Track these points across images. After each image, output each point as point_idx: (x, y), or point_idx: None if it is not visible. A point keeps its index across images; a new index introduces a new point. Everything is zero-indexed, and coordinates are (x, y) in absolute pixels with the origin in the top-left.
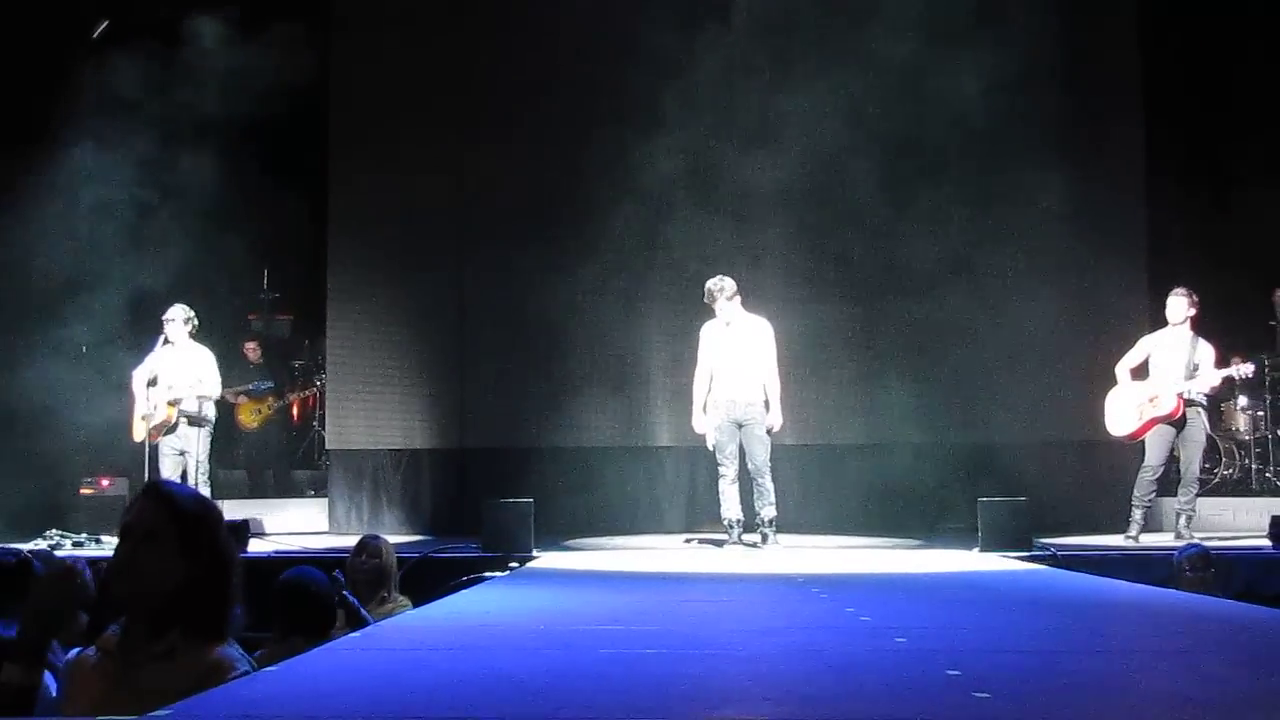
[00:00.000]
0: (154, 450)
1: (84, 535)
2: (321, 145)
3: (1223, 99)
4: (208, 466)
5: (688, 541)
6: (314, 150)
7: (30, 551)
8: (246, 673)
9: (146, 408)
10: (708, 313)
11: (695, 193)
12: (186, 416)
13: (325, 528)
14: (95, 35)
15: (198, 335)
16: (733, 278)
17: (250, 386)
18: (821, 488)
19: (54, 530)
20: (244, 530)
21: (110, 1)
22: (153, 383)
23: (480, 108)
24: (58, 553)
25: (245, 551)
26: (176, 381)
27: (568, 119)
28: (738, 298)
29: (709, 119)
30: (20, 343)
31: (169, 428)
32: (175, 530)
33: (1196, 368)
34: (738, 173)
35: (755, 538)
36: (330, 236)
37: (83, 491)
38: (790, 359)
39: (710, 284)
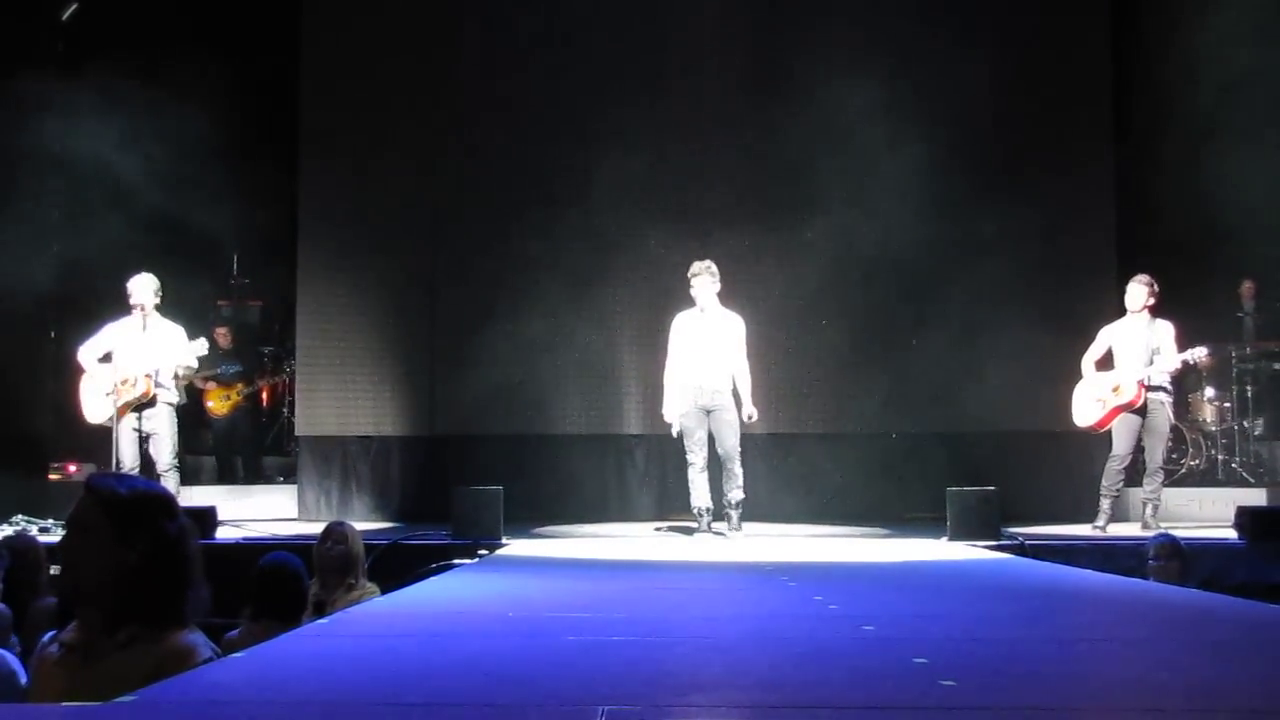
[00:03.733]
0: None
1: (50, 521)
2: (293, 130)
3: (1191, 91)
4: (177, 447)
5: (658, 530)
6: (285, 136)
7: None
8: (210, 659)
9: (111, 384)
10: (681, 302)
11: (669, 185)
12: (162, 391)
13: (294, 514)
14: (65, 17)
15: (163, 311)
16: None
17: (218, 371)
18: (791, 477)
19: (20, 516)
20: (209, 517)
21: None
22: (106, 358)
23: (455, 95)
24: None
25: (212, 538)
26: (153, 355)
27: (542, 108)
28: (718, 284)
29: (682, 114)
30: None
31: (144, 404)
32: (109, 523)
33: (1157, 351)
34: (713, 166)
35: (724, 525)
36: (301, 222)
37: (50, 477)
38: (761, 349)
39: (695, 263)
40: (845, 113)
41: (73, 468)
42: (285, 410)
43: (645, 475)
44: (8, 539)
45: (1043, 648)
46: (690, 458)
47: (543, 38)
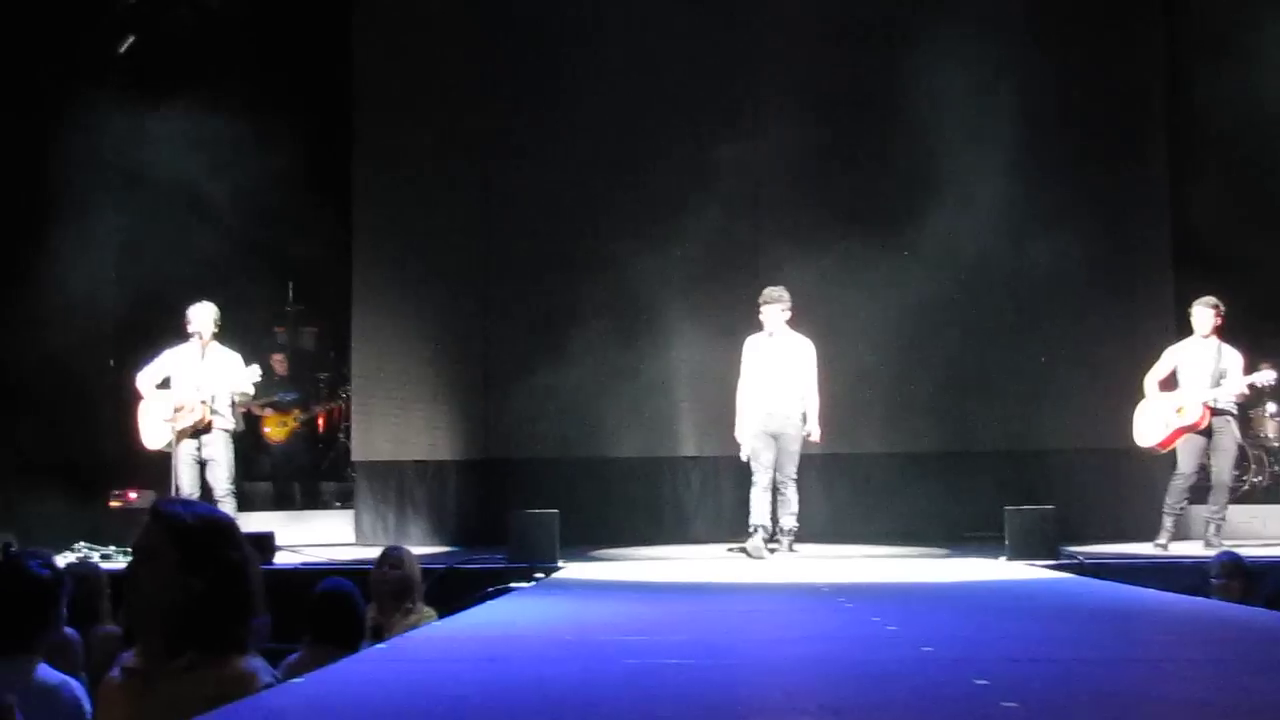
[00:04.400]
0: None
1: (112, 548)
2: (347, 156)
3: (1250, 106)
4: (234, 473)
5: (730, 550)
6: (340, 162)
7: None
8: (270, 684)
9: (167, 410)
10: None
11: (726, 201)
12: (219, 418)
13: (351, 539)
14: (122, 50)
15: (219, 337)
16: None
17: (275, 398)
18: (848, 496)
19: (82, 542)
20: (268, 543)
21: (135, 18)
22: (164, 385)
23: (506, 118)
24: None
25: (270, 564)
26: (210, 382)
27: (593, 129)
28: (789, 313)
29: (740, 127)
30: (48, 350)
31: (201, 430)
32: (174, 549)
33: (1223, 375)
34: (771, 181)
35: (776, 545)
36: (355, 249)
37: (111, 505)
38: (820, 367)
39: (769, 289)
40: (913, 129)
41: (133, 494)
42: (341, 436)
43: (701, 498)
44: (70, 566)
45: (1104, 668)
46: (755, 477)
47: (598, 56)
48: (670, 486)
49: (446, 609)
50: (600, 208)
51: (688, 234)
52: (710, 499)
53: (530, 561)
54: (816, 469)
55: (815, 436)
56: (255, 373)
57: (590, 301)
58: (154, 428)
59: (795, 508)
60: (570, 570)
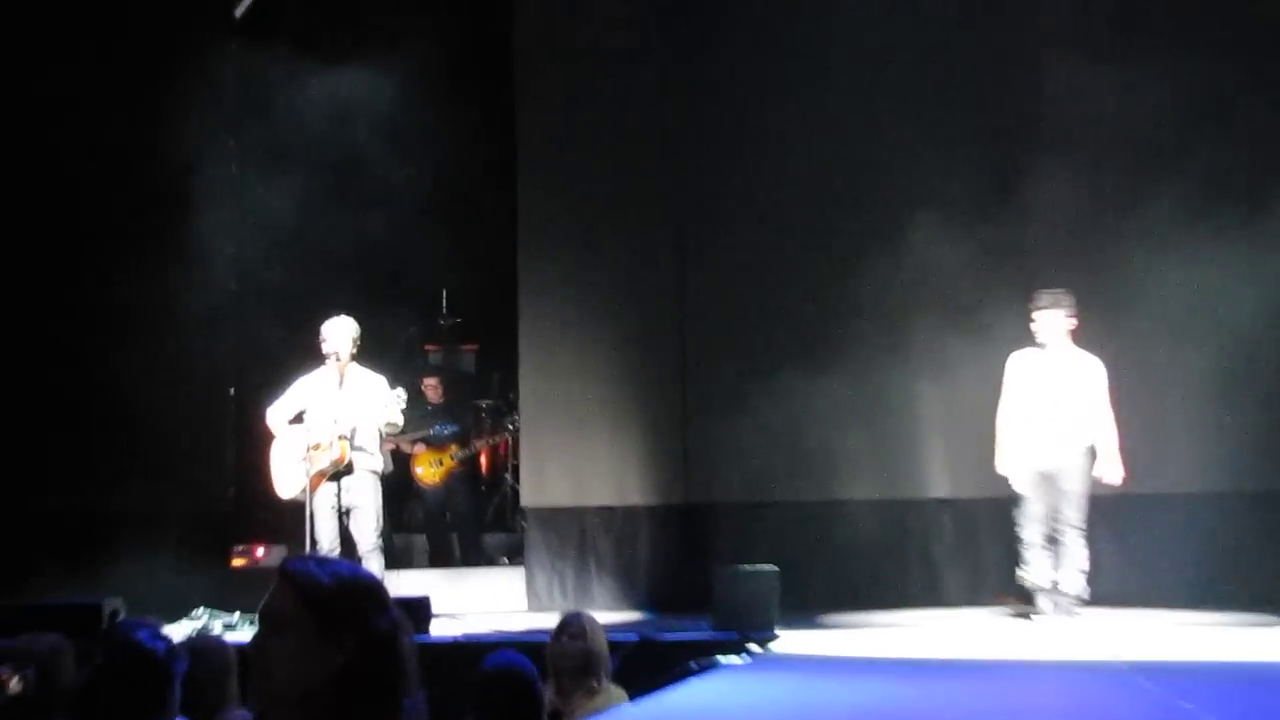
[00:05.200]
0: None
1: (236, 615)
2: (509, 139)
3: None
4: (382, 524)
5: (1002, 613)
6: (501, 146)
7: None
8: None
9: (301, 449)
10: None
11: (985, 184)
12: (362, 456)
13: (523, 604)
14: (239, 15)
15: (360, 359)
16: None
17: (429, 432)
18: (1147, 547)
19: (202, 609)
20: (423, 609)
21: None
22: (299, 419)
23: (701, 97)
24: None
25: (425, 634)
26: (350, 412)
27: (815, 108)
28: (1073, 321)
29: (1005, 114)
30: (162, 380)
31: (342, 472)
32: (310, 617)
33: None
34: (1027, 187)
35: (1052, 606)
36: (521, 251)
37: (234, 563)
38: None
39: (1046, 293)
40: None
41: (260, 551)
42: (508, 477)
43: (955, 549)
44: (190, 640)
45: None
46: (1021, 533)
47: (812, 46)
48: (917, 536)
49: (639, 689)
50: (824, 199)
51: (934, 228)
52: (966, 551)
53: (741, 630)
54: (1106, 513)
55: (1114, 478)
56: (400, 397)
57: (812, 313)
58: (287, 471)
59: (1082, 564)
60: (791, 641)
